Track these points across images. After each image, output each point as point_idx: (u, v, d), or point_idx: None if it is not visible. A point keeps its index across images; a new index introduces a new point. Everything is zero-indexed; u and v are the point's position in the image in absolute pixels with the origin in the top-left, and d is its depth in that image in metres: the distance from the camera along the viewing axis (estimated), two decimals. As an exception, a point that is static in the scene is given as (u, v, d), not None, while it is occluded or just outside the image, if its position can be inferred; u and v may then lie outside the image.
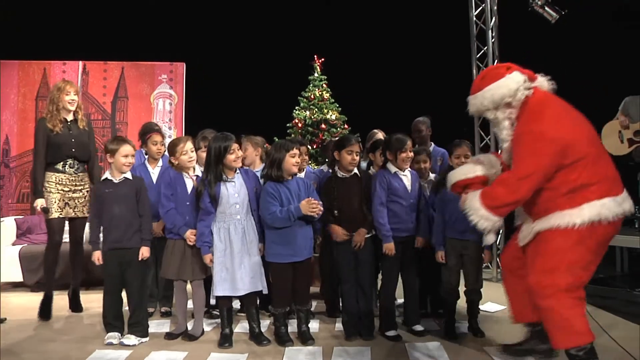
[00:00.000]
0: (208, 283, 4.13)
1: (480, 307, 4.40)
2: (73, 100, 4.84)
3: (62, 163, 4.78)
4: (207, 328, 4.44)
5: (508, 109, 3.20)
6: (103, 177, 4.17)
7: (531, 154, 3.01)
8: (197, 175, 4.16)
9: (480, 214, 3.16)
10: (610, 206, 3.01)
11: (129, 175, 4.16)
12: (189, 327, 4.24)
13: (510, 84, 3.16)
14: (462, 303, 4.22)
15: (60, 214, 4.74)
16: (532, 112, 3.13)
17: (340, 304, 4.42)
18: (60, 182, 4.76)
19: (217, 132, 4.16)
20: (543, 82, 3.28)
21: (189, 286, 4.24)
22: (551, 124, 3.02)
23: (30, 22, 7.61)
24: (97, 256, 4.07)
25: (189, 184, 4.15)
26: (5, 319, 4.71)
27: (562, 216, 3.02)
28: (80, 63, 7.65)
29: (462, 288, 4.17)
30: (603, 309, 4.79)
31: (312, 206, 3.82)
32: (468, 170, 3.43)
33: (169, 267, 4.07)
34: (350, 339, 4.05)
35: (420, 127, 5.48)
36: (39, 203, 4.70)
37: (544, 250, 3.10)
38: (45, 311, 4.76)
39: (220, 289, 3.91)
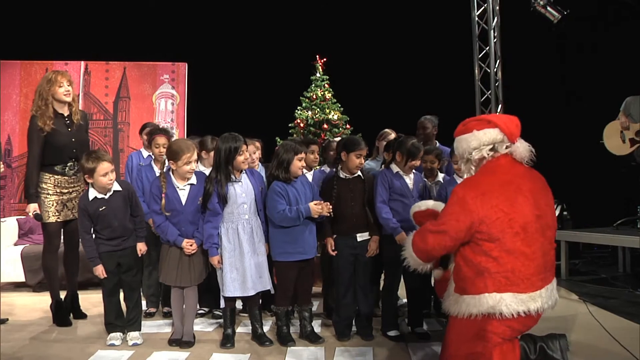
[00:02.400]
0: (215, 285, 4.13)
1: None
2: (68, 91, 4.43)
3: (62, 165, 4.47)
4: (209, 328, 4.45)
5: (470, 164, 3.12)
6: (91, 197, 3.98)
7: (448, 214, 2.98)
8: (191, 184, 4.02)
9: (408, 252, 3.18)
10: (509, 302, 2.83)
11: (117, 186, 4.06)
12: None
13: (471, 142, 3.05)
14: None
15: (59, 218, 4.46)
16: (474, 176, 3.09)
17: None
18: (58, 185, 4.45)
19: (219, 134, 4.14)
20: (519, 147, 3.05)
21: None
22: (476, 195, 2.91)
23: (32, 22, 7.61)
24: (100, 270, 4.01)
25: (183, 194, 4.00)
26: (7, 319, 4.71)
27: (461, 303, 2.95)
28: (82, 63, 7.66)
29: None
30: (605, 309, 4.80)
31: (320, 208, 3.88)
32: (421, 203, 3.47)
33: (168, 273, 4.01)
34: (343, 339, 4.05)
35: (427, 125, 5.42)
36: (32, 208, 4.35)
37: (446, 335, 3.10)
38: (61, 317, 4.56)
39: (230, 290, 3.89)
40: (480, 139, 3.03)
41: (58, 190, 4.46)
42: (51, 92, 4.39)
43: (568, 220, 6.76)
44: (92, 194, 4.00)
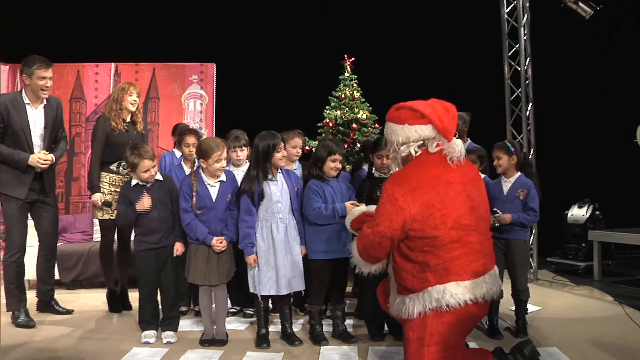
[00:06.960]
0: (243, 283, 4.15)
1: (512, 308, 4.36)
2: (135, 101, 4.92)
3: (117, 164, 4.83)
4: (241, 327, 4.48)
5: (397, 155, 3.06)
6: (133, 183, 4.16)
7: (381, 214, 2.92)
8: (221, 181, 4.07)
9: (356, 258, 3.14)
10: (454, 292, 2.78)
11: (159, 176, 4.21)
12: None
13: (400, 136, 2.98)
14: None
15: (112, 216, 4.78)
16: (402, 171, 3.01)
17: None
18: (113, 183, 4.81)
19: (249, 134, 4.18)
20: (455, 145, 2.97)
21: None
22: (405, 192, 2.84)
23: (63, 25, 7.71)
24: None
25: (213, 191, 4.05)
26: (72, 310, 4.97)
27: (408, 303, 2.91)
28: (113, 65, 7.75)
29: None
30: (642, 310, 4.72)
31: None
32: (355, 210, 3.45)
33: (195, 272, 4.03)
34: (376, 338, 4.04)
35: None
36: (98, 197, 4.74)
37: (405, 344, 3.00)
38: (114, 304, 5.01)
39: (266, 288, 3.90)
40: (409, 136, 2.95)
41: (113, 190, 4.81)
42: (123, 99, 4.87)
43: (600, 220, 6.66)
44: (135, 181, 4.17)
